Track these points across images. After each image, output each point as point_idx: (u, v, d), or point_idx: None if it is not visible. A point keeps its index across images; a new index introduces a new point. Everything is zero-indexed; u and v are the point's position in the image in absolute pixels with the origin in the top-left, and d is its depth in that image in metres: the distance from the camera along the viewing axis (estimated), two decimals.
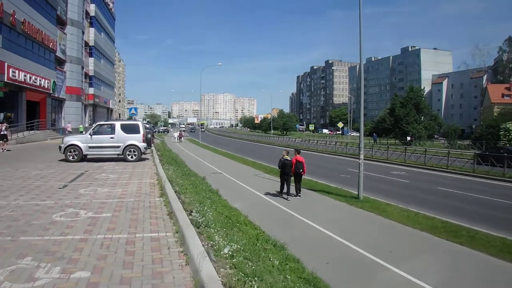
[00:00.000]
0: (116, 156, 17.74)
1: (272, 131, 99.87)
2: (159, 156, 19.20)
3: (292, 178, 13.91)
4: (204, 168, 21.36)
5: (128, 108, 55.36)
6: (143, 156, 18.56)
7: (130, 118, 51.37)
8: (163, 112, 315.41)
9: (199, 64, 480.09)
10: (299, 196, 13.71)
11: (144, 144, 17.92)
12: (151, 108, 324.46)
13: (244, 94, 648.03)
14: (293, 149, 14.52)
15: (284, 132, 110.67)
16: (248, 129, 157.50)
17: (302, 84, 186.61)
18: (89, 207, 8.05)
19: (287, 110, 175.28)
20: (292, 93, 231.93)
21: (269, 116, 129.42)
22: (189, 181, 11.62)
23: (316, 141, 46.70)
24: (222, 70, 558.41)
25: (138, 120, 21.99)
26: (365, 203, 12.87)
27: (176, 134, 57.68)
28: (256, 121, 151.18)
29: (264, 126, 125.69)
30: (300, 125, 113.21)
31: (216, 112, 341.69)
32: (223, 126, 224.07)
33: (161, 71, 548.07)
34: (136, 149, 17.64)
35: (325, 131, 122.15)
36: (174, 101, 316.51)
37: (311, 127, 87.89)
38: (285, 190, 13.75)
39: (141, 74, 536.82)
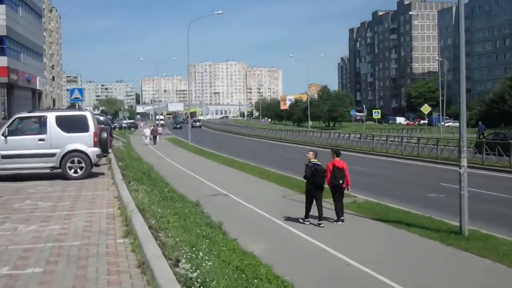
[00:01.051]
0: (49, 170, 18.35)
1: (311, 123, 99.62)
2: (121, 169, 19.67)
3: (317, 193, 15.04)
4: (198, 187, 21.98)
5: (68, 90, 55.33)
6: (94, 169, 19.12)
7: (72, 107, 51.57)
8: (128, 96, 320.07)
9: (186, 14, 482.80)
10: (342, 220, 15.26)
11: (97, 150, 18.60)
12: (107, 89, 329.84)
13: (262, 62, 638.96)
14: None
15: (331, 124, 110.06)
16: (269, 119, 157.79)
17: (358, 43, 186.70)
18: (3, 258, 8.09)
19: (334, 86, 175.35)
20: (342, 59, 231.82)
21: (304, 98, 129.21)
22: (172, 210, 12.20)
23: (385, 138, 46.41)
24: (224, 24, 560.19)
25: (86, 110, 22.36)
26: (474, 241, 12.84)
27: (147, 131, 58.08)
28: (282, 107, 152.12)
29: (297, 113, 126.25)
30: (357, 111, 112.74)
31: (215, 93, 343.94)
32: (227, 116, 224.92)
33: (122, 29, 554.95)
34: (83, 158, 18.23)
35: (400, 120, 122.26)
36: (145, 76, 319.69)
37: (376, 114, 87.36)
38: (325, 214, 14.99)
39: (88, 34, 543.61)
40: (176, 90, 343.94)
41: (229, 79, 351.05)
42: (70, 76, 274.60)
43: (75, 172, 18.14)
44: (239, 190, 21.38)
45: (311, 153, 15.29)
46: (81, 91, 33.31)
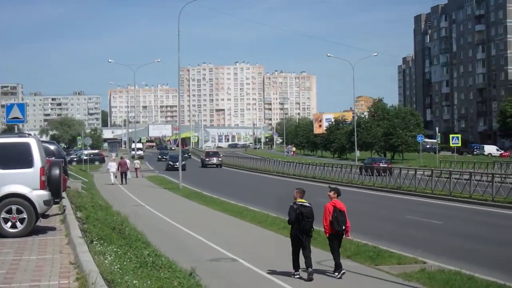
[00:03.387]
0: None
1: (358, 153, 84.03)
2: (81, 222, 17.71)
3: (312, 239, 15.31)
4: (194, 249, 20.64)
5: (4, 106, 51.13)
6: (41, 221, 17.15)
7: (9, 131, 49.58)
8: (90, 114, 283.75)
9: None
10: (343, 273, 14.65)
11: (45, 193, 16.37)
12: (60, 104, 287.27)
13: (287, 65, 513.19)
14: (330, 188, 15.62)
15: (389, 155, 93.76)
16: (294, 148, 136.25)
17: (428, 37, 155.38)
18: None
19: (393, 100, 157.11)
20: (405, 60, 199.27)
21: (349, 117, 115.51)
22: (155, 282, 11.23)
23: (467, 176, 38.10)
24: (230, 11, 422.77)
25: (30, 135, 19.80)
26: None
27: (113, 166, 50.81)
28: (317, 130, 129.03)
29: (338, 140, 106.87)
30: (427, 137, 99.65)
31: (218, 110, 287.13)
32: (236, 145, 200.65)
33: (82, 17, 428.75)
34: (25, 206, 15.96)
35: (490, 149, 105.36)
36: (116, 86, 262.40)
37: (455, 140, 71.87)
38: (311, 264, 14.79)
39: (34, 24, 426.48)
40: (161, 106, 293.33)
41: (238, 90, 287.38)
42: (6, 86, 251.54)
43: (13, 226, 15.48)
44: (253, 252, 19.30)
45: (297, 191, 14.92)
46: (22, 107, 29.92)
